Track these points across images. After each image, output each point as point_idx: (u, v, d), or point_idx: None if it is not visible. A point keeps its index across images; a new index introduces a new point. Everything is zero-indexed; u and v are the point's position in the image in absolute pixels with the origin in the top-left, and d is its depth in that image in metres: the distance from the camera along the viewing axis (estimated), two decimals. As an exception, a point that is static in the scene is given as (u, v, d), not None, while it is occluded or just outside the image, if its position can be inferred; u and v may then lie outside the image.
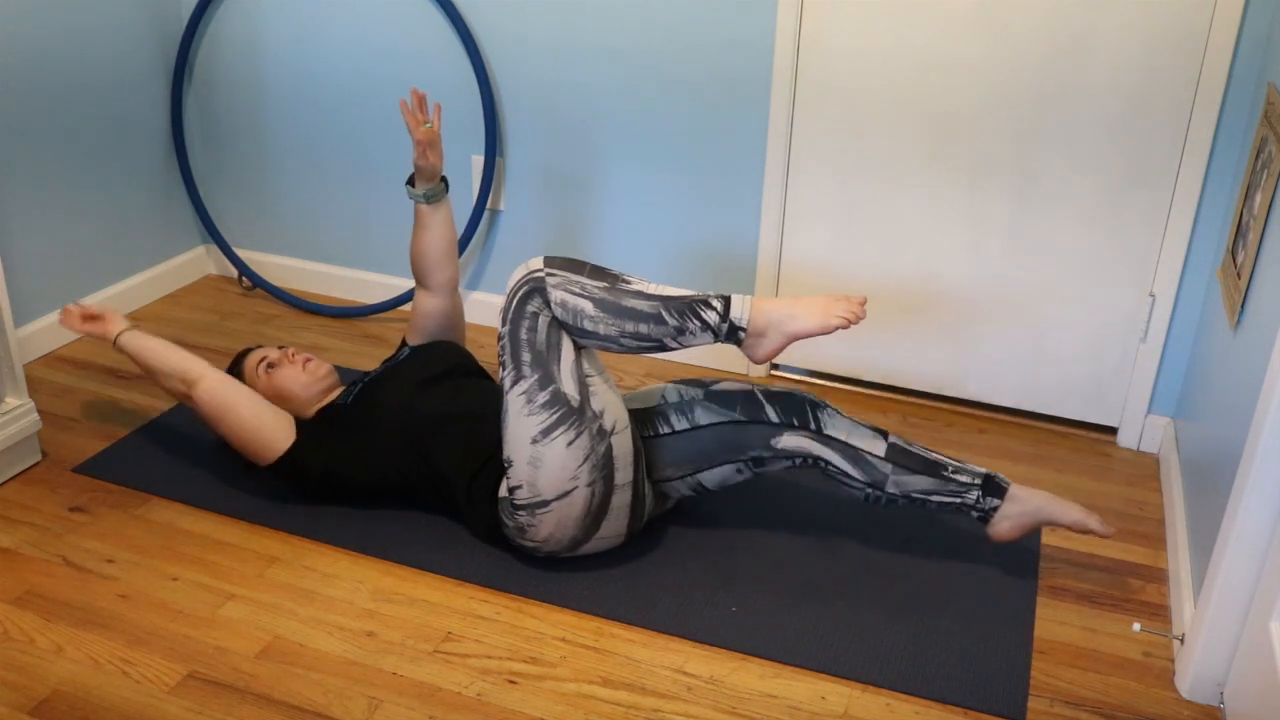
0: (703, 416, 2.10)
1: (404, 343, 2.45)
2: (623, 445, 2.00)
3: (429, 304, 2.41)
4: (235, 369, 2.35)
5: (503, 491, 2.04)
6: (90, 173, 2.95)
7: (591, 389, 1.97)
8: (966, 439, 2.61)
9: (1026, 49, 2.36)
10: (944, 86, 2.45)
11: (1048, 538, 2.25)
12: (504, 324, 1.96)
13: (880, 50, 2.46)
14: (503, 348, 1.97)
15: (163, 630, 1.95)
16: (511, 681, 1.86)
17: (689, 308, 1.94)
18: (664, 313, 1.93)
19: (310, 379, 2.29)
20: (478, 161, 2.92)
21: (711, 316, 1.94)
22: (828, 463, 2.07)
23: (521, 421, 1.95)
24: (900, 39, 2.44)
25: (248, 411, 2.19)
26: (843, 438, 2.07)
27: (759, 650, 1.93)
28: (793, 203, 2.67)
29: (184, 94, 3.16)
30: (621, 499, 2.03)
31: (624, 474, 2.01)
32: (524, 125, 2.86)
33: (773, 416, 2.07)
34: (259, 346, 2.42)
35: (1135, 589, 2.13)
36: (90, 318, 2.35)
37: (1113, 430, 2.64)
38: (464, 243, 2.96)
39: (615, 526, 2.06)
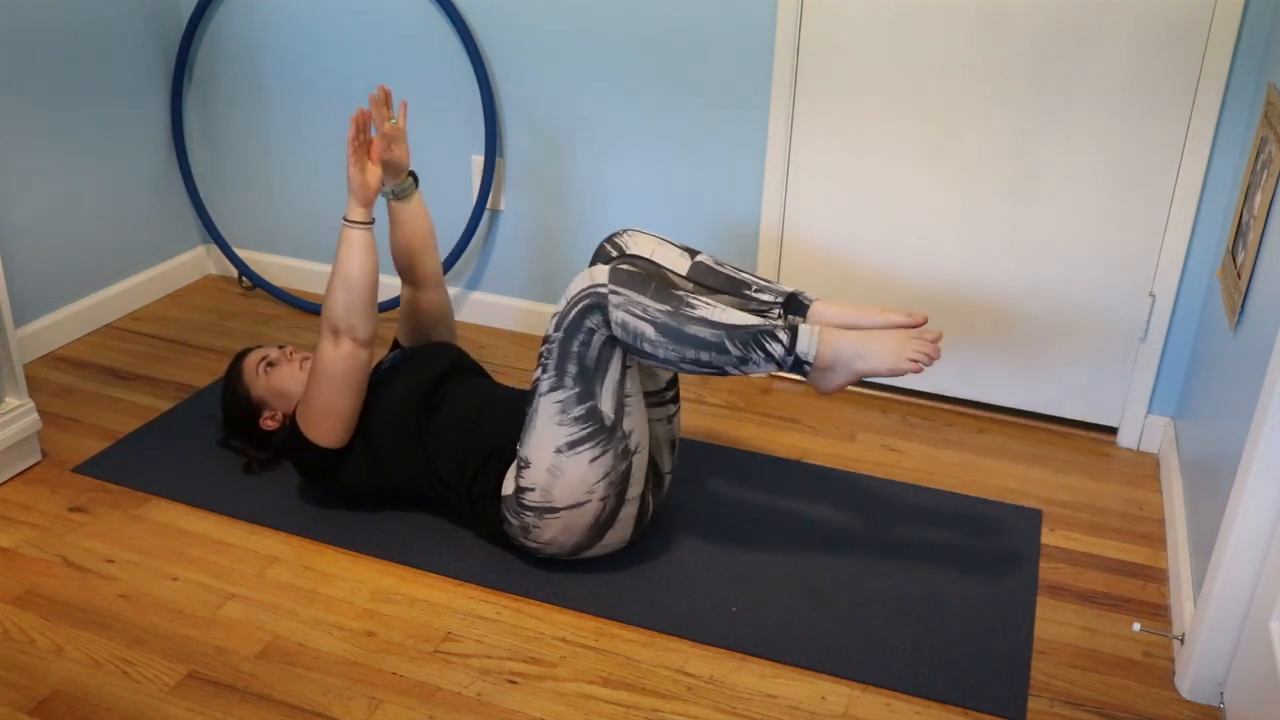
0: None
1: (395, 344, 2.45)
2: (640, 463, 2.00)
3: (417, 299, 2.38)
4: (235, 368, 2.35)
5: (508, 489, 2.04)
6: (90, 173, 2.95)
7: (627, 408, 1.95)
8: (966, 439, 2.61)
9: (1027, 47, 2.36)
10: (943, 85, 2.45)
11: (1047, 538, 2.26)
12: (556, 329, 1.91)
13: (880, 47, 2.46)
14: (549, 350, 1.92)
15: (163, 630, 1.95)
16: (511, 681, 1.86)
17: (754, 338, 1.86)
18: (728, 342, 1.86)
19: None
20: (478, 161, 2.92)
21: (777, 349, 1.86)
22: None
23: (550, 428, 1.93)
24: (901, 36, 2.44)
25: (359, 398, 2.13)
26: (646, 254, 2.04)
27: (759, 650, 1.93)
28: (793, 201, 2.67)
29: (184, 94, 3.16)
30: (629, 510, 2.04)
31: (635, 489, 2.02)
32: (524, 125, 2.86)
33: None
34: (259, 346, 2.41)
35: (1135, 589, 2.13)
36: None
37: (1113, 430, 2.64)
38: (464, 243, 2.96)
39: (620, 535, 2.06)
